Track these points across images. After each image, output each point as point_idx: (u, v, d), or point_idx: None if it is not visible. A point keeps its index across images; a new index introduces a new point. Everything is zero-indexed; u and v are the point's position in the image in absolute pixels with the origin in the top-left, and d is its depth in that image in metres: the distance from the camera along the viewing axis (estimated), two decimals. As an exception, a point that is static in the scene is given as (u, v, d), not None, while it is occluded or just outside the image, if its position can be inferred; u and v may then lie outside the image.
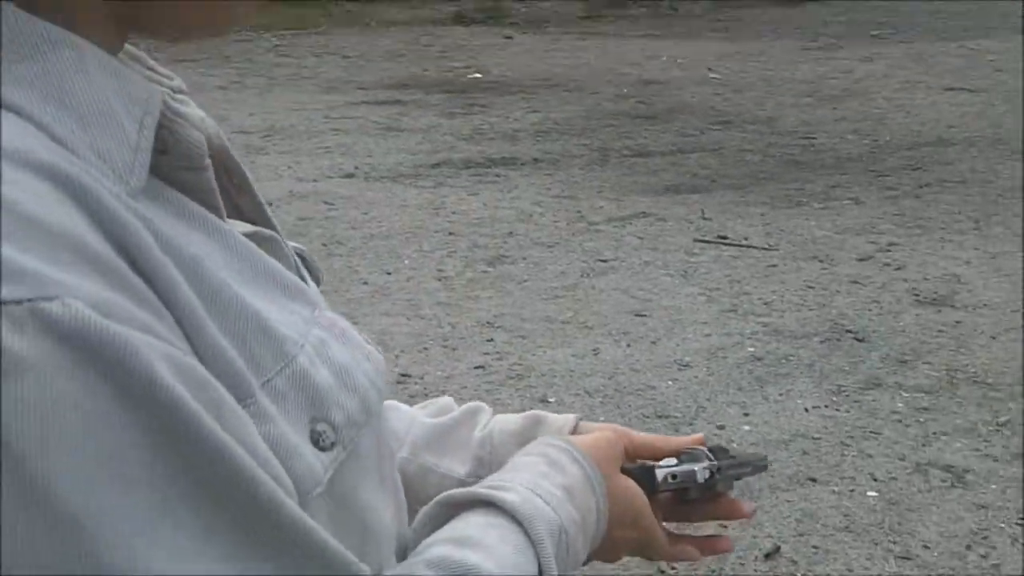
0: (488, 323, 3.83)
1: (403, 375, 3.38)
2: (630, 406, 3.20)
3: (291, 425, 0.50)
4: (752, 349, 3.62)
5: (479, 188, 5.64)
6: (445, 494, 0.67)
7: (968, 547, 2.55)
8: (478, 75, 8.86)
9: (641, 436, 0.81)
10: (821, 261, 4.50)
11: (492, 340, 3.67)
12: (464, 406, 0.86)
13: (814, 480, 2.83)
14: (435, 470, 0.82)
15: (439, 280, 4.29)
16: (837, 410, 3.21)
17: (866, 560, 2.48)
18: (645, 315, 3.91)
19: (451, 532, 0.63)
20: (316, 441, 0.52)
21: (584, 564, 0.71)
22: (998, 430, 3.10)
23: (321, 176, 5.90)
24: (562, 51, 10.00)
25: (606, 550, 0.75)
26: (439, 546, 0.61)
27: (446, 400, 0.88)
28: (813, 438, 3.05)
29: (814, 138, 6.65)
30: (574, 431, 0.82)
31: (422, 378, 3.37)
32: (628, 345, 3.64)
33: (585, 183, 5.71)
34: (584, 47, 10.21)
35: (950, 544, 2.56)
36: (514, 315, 3.91)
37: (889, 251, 4.63)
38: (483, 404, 0.87)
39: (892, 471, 2.87)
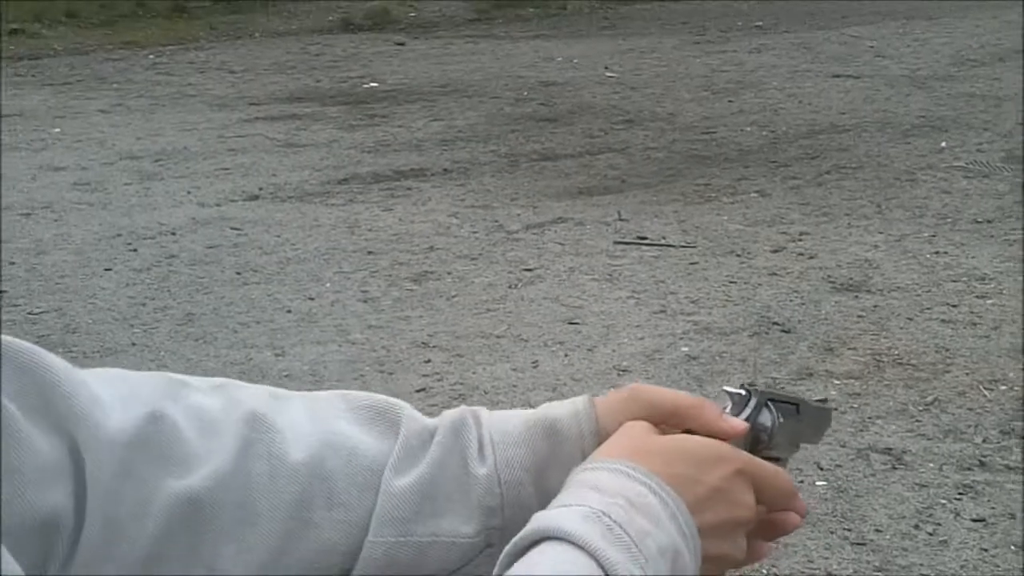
0: (423, 343, 3.82)
1: (346, 402, 3.35)
2: (577, 416, 3.23)
3: None
4: (686, 348, 3.69)
5: (392, 202, 5.61)
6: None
7: (916, 526, 2.65)
8: (374, 84, 8.80)
9: (659, 395, 0.71)
10: (738, 255, 4.61)
11: (430, 361, 3.66)
12: (442, 428, 0.71)
13: (763, 475, 2.91)
14: (437, 541, 0.68)
15: (365, 302, 4.26)
16: (774, 403, 3.30)
17: (824, 550, 2.57)
18: (578, 323, 3.95)
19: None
20: None
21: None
22: (927, 409, 3.23)
23: (224, 200, 5.78)
24: (456, 55, 10.01)
25: (721, 505, 0.66)
26: None
27: (409, 417, 0.72)
28: (755, 433, 3.13)
29: (715, 132, 6.80)
30: (597, 427, 0.71)
31: (365, 404, 3.34)
32: (565, 355, 3.68)
33: (498, 191, 5.73)
34: (478, 50, 10.24)
35: (899, 525, 2.66)
36: (448, 332, 3.91)
37: (801, 240, 4.77)
38: (464, 416, 0.72)
39: (836, 459, 2.97)
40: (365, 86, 8.74)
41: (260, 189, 5.94)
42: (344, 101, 8.22)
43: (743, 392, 0.73)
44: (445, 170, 6.18)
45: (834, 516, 2.70)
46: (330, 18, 12.33)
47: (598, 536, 0.60)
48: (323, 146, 6.85)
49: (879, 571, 2.48)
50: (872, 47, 9.26)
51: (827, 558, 2.53)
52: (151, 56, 10.32)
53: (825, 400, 0.82)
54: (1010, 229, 4.80)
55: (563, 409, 0.73)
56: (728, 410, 0.72)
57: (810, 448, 3.01)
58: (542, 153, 6.47)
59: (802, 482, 2.85)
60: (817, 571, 2.48)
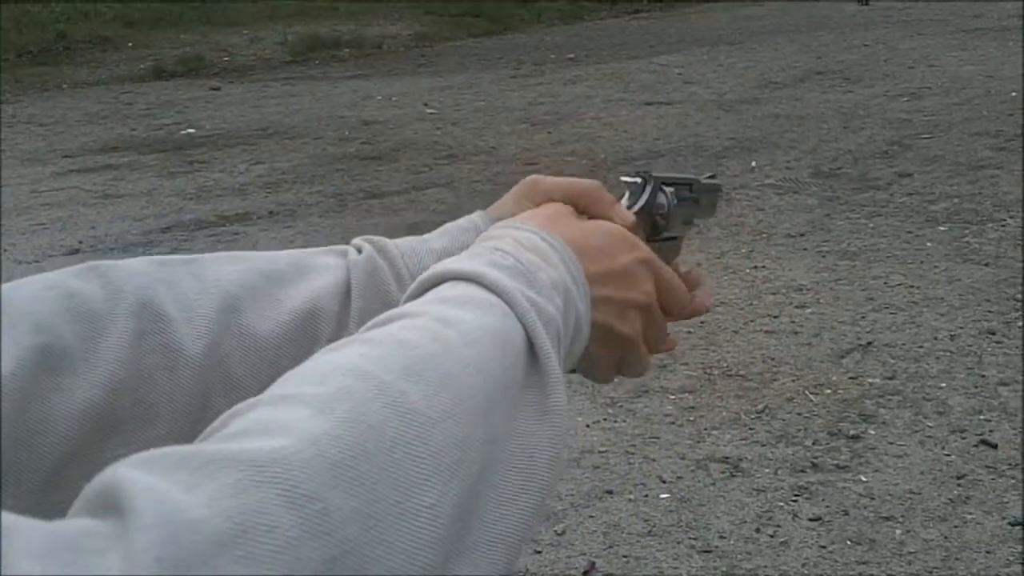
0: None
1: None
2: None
3: None
4: (526, 375, 3.72)
5: (219, 248, 5.44)
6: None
7: (757, 530, 2.75)
8: (192, 130, 8.57)
9: (556, 182, 0.75)
10: (570, 280, 4.70)
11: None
12: (357, 283, 0.70)
13: (610, 492, 2.96)
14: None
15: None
16: (615, 422, 3.37)
17: (673, 560, 2.63)
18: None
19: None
20: None
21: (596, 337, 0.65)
22: (759, 417, 3.37)
23: (42, 255, 5.50)
24: (274, 98, 9.87)
25: (623, 283, 0.68)
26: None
27: (326, 268, 0.71)
28: (600, 452, 3.19)
29: (536, 164, 6.93)
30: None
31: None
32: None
33: (327, 230, 5.67)
34: (296, 92, 10.13)
35: (742, 530, 2.75)
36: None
37: (628, 263, 4.90)
38: (376, 262, 0.71)
39: (677, 471, 3.06)
40: (182, 132, 8.50)
41: (80, 242, 5.68)
42: (161, 149, 7.96)
43: (639, 180, 0.76)
44: (271, 212, 6.07)
45: (679, 526, 2.77)
46: (141, 66, 11.94)
47: (484, 264, 0.58)
48: (142, 195, 6.61)
49: (727, 576, 2.56)
50: (680, 74, 9.67)
51: (676, 568, 2.59)
52: (-53, 110, 9.74)
53: (714, 176, 0.85)
54: (821, 241, 5.08)
55: (470, 237, 0.74)
56: (626, 198, 0.75)
57: (654, 461, 3.09)
58: (369, 191, 6.44)
59: (646, 496, 2.92)
60: (669, 582, 2.54)
